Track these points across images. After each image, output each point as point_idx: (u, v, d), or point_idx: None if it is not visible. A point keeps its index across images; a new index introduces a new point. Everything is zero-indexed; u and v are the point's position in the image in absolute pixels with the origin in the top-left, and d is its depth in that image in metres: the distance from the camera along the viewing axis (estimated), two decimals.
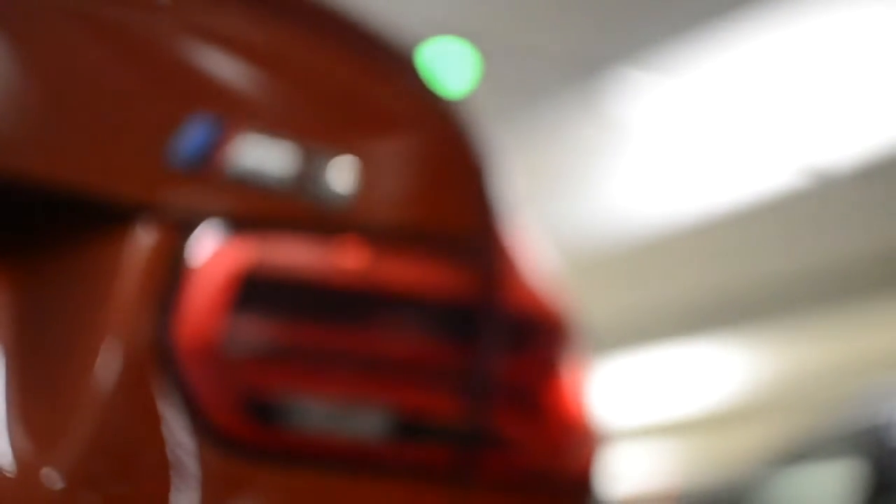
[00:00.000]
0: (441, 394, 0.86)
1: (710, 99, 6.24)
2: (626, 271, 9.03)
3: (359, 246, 0.84)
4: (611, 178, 7.52)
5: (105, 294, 0.77)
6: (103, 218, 0.77)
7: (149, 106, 0.77)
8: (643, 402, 12.54)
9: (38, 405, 0.76)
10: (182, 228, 0.78)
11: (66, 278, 0.78)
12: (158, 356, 0.77)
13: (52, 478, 0.73)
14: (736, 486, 5.53)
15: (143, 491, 0.75)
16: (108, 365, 0.75)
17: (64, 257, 0.79)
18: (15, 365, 0.77)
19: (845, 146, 6.61)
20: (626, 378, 11.71)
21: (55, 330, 0.77)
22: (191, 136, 0.78)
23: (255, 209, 0.80)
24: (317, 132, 0.84)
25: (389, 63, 0.93)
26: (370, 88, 0.89)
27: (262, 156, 0.80)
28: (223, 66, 0.82)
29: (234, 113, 0.80)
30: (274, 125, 0.81)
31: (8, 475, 0.74)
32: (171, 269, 0.78)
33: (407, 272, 0.86)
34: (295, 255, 0.82)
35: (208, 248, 0.79)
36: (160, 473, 0.76)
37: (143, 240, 0.77)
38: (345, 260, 0.84)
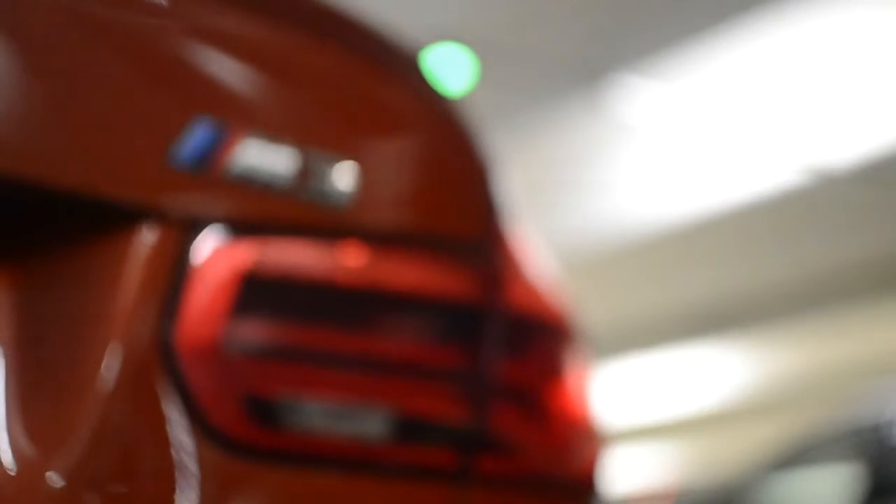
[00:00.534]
0: (443, 395, 0.86)
1: (710, 100, 6.24)
2: (626, 273, 9.03)
3: (360, 247, 0.84)
4: (610, 180, 7.51)
5: (107, 295, 0.77)
6: (106, 220, 0.77)
7: (151, 108, 0.78)
8: (642, 402, 12.53)
9: (39, 405, 0.76)
10: (184, 230, 0.79)
11: (67, 280, 0.78)
12: (160, 357, 0.77)
13: (53, 478, 0.73)
14: (733, 487, 5.53)
15: (144, 491, 0.75)
16: (109, 366, 0.75)
17: (66, 259, 0.79)
18: (17, 365, 0.77)
19: (846, 146, 6.61)
20: (626, 378, 11.71)
21: (57, 331, 0.78)
22: (193, 138, 0.78)
23: (257, 211, 0.81)
24: (320, 134, 0.84)
25: (393, 64, 0.93)
26: (374, 90, 0.89)
27: (265, 158, 0.80)
28: (226, 69, 0.82)
29: (237, 115, 0.80)
30: (276, 127, 0.81)
31: (9, 475, 0.74)
32: (173, 271, 0.78)
33: (409, 273, 0.86)
34: (297, 256, 0.82)
35: (210, 249, 0.79)
36: (161, 473, 0.76)
37: (146, 241, 0.77)
38: (347, 261, 0.84)
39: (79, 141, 0.75)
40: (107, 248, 0.78)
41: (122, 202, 0.76)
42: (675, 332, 10.53)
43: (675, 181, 7.38)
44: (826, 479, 5.16)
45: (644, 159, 7.14)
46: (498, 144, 1.01)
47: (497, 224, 0.93)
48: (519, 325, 0.92)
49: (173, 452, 0.76)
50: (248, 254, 0.80)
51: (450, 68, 5.58)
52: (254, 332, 0.80)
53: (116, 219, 0.77)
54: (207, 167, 0.78)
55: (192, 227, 0.79)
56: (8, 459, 0.74)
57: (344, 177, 0.83)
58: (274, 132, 0.81)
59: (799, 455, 5.33)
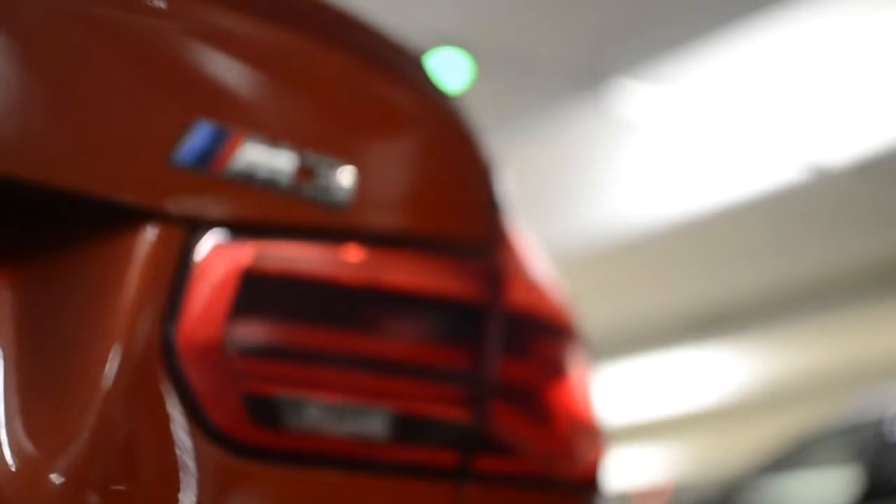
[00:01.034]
0: (444, 395, 0.86)
1: (708, 101, 6.24)
2: (625, 274, 9.02)
3: (361, 247, 0.85)
4: (610, 180, 7.51)
5: (108, 295, 0.77)
6: (107, 220, 0.77)
7: (153, 108, 0.77)
8: (641, 401, 12.50)
9: (41, 405, 0.76)
10: (185, 231, 0.79)
11: (69, 280, 0.78)
12: (161, 357, 0.77)
13: (54, 477, 0.73)
14: (731, 486, 5.52)
15: (145, 490, 0.75)
16: (110, 365, 0.75)
17: (67, 259, 0.79)
18: (19, 365, 0.77)
19: (845, 143, 6.61)
20: (626, 377, 11.68)
21: (58, 330, 0.78)
22: (195, 138, 0.78)
23: (259, 211, 0.81)
24: (321, 134, 0.84)
25: (396, 65, 0.93)
26: (376, 90, 0.89)
27: (266, 158, 0.80)
28: (227, 70, 0.81)
29: (238, 115, 0.80)
30: (278, 127, 0.82)
31: (11, 474, 0.74)
32: (174, 271, 0.78)
33: (410, 273, 0.86)
34: (298, 256, 0.82)
35: (211, 250, 0.79)
36: (162, 473, 0.76)
37: (147, 242, 0.77)
38: (347, 261, 0.84)
39: (80, 141, 0.75)
40: (108, 249, 0.78)
41: (123, 202, 0.76)
42: (675, 331, 10.51)
43: (675, 181, 7.38)
44: (824, 479, 5.16)
45: (644, 160, 7.13)
46: (498, 146, 1.01)
47: (499, 224, 0.93)
48: (520, 325, 0.92)
49: (174, 452, 0.76)
50: (249, 254, 0.80)
51: (447, 72, 5.58)
52: (255, 331, 0.80)
53: (118, 219, 0.77)
54: (208, 168, 0.78)
55: (193, 228, 0.79)
56: (9, 459, 0.74)
57: (345, 177, 0.83)
58: (275, 133, 0.81)
59: (797, 455, 5.32)
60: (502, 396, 0.89)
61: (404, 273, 0.86)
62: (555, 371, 0.94)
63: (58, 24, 0.76)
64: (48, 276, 0.79)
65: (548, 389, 0.93)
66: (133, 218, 0.77)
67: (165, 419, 0.76)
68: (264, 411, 0.80)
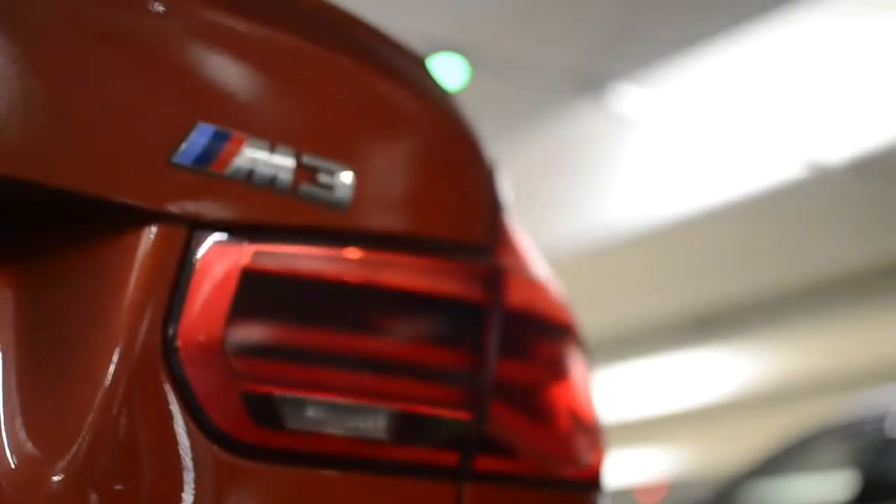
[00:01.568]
0: (444, 394, 0.86)
1: (708, 101, 6.24)
2: (625, 274, 9.02)
3: (361, 247, 0.85)
4: (609, 181, 7.51)
5: (108, 295, 0.77)
6: (108, 220, 0.77)
7: (154, 109, 0.78)
8: (641, 401, 12.50)
9: (41, 405, 0.76)
10: (185, 231, 0.79)
11: (69, 280, 0.78)
12: (161, 357, 0.77)
13: (55, 477, 0.73)
14: (728, 485, 5.52)
15: (146, 490, 0.75)
16: (111, 365, 0.75)
17: (68, 259, 0.79)
18: (19, 364, 0.77)
19: (845, 140, 6.61)
20: (626, 377, 11.69)
21: (59, 330, 0.78)
22: (196, 139, 0.78)
23: (259, 212, 0.81)
24: (322, 136, 0.84)
25: (397, 67, 0.93)
26: (377, 92, 0.89)
27: (266, 159, 0.80)
28: (228, 71, 0.81)
29: (239, 116, 0.80)
30: (279, 128, 0.82)
31: (12, 474, 0.74)
32: (174, 272, 0.78)
33: (410, 273, 0.86)
34: (298, 257, 0.82)
35: (212, 250, 0.80)
36: (163, 472, 0.76)
37: (148, 242, 0.77)
38: (347, 261, 0.84)
39: (81, 142, 0.75)
40: (108, 249, 0.78)
41: (124, 203, 0.76)
42: (674, 330, 10.52)
43: (674, 180, 7.38)
44: (821, 480, 5.16)
45: (644, 160, 7.14)
46: (497, 147, 1.01)
47: (499, 225, 0.94)
48: (520, 325, 0.92)
49: (174, 452, 0.76)
50: (249, 254, 0.80)
51: (445, 77, 5.58)
52: (255, 331, 0.80)
53: (118, 219, 0.77)
54: (209, 168, 0.78)
55: (194, 228, 0.79)
56: (10, 459, 0.74)
57: (345, 178, 0.84)
58: (275, 134, 0.81)
59: (794, 455, 5.32)
60: (502, 396, 0.89)
61: (404, 273, 0.86)
62: (555, 371, 0.94)
63: (59, 25, 0.76)
64: (49, 277, 0.79)
65: (548, 389, 0.93)
66: (134, 218, 0.77)
67: (166, 419, 0.77)
68: (264, 411, 0.80)
